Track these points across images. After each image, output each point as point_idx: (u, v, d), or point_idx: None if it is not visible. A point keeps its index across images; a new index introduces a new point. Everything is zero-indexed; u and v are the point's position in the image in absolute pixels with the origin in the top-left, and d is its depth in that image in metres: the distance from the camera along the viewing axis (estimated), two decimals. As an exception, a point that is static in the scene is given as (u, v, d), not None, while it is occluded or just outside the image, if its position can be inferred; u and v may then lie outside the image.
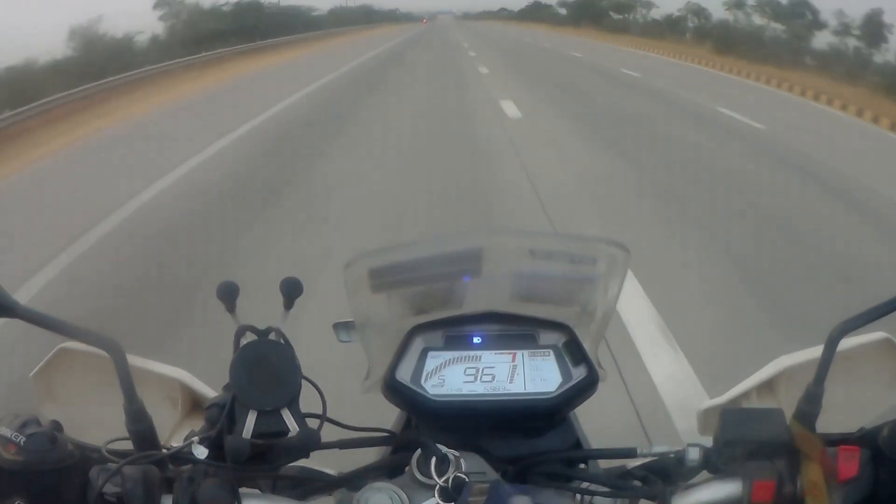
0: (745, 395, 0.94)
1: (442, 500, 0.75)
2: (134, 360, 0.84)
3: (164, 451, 0.73)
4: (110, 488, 0.68)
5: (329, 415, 0.77)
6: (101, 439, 0.73)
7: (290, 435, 0.72)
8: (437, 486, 0.76)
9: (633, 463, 0.85)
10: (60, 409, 0.90)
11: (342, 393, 0.87)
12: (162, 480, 0.71)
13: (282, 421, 0.72)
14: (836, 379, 0.77)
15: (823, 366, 0.76)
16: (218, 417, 0.72)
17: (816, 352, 0.84)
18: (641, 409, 2.95)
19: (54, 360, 0.91)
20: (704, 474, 0.79)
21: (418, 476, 0.79)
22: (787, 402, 0.81)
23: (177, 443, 0.74)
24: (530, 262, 0.82)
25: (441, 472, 0.77)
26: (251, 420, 0.71)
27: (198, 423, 0.78)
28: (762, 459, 0.74)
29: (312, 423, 0.74)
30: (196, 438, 0.72)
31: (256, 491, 0.77)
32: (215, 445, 0.71)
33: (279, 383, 0.72)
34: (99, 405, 0.86)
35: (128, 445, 0.74)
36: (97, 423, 0.80)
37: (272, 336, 0.74)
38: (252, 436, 0.71)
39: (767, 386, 0.95)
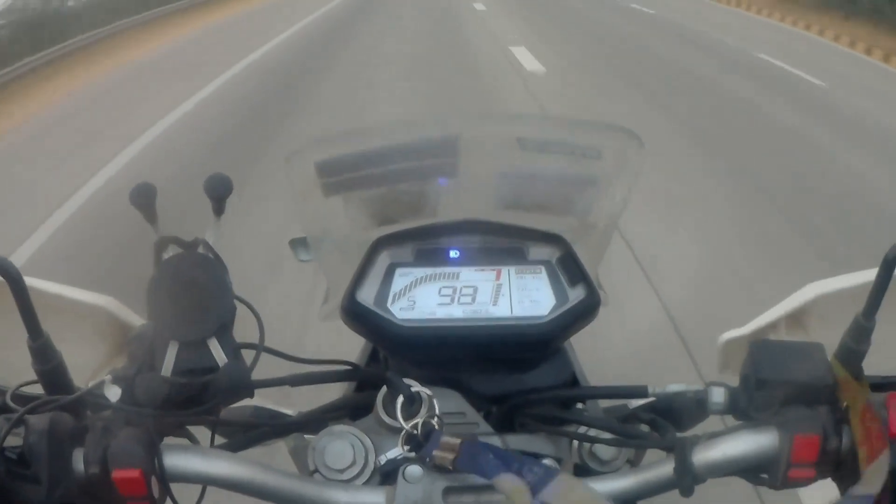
0: (772, 326, 0.80)
1: (408, 451, 0.63)
2: (46, 285, 0.72)
3: (73, 395, 0.60)
4: (14, 441, 0.55)
5: (289, 350, 0.65)
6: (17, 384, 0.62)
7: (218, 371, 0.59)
8: (403, 432, 0.63)
9: (635, 403, 0.72)
10: None
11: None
12: (75, 431, 0.58)
13: (209, 353, 0.59)
14: (886, 312, 0.62)
15: (876, 294, 0.60)
16: (140, 353, 0.60)
17: (852, 279, 0.72)
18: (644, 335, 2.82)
19: None
20: (722, 421, 0.65)
21: (385, 418, 0.66)
22: (819, 337, 0.67)
23: None
24: (518, 155, 0.68)
25: (409, 413, 0.64)
26: (172, 354, 0.59)
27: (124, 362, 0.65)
28: (800, 405, 0.60)
29: (250, 356, 0.61)
30: (109, 377, 0.59)
31: (184, 441, 0.64)
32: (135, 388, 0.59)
33: (206, 308, 0.59)
34: (17, 343, 0.73)
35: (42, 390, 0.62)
36: (26, 367, 0.67)
37: (200, 249, 0.61)
38: (173, 372, 0.59)
39: (795, 317, 0.81)
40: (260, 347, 0.62)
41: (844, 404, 0.60)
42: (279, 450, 0.74)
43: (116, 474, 0.56)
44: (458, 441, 0.61)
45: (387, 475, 0.65)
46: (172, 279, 0.60)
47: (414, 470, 0.62)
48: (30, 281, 0.60)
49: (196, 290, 0.59)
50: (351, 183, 0.69)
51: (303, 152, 0.67)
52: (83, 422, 0.59)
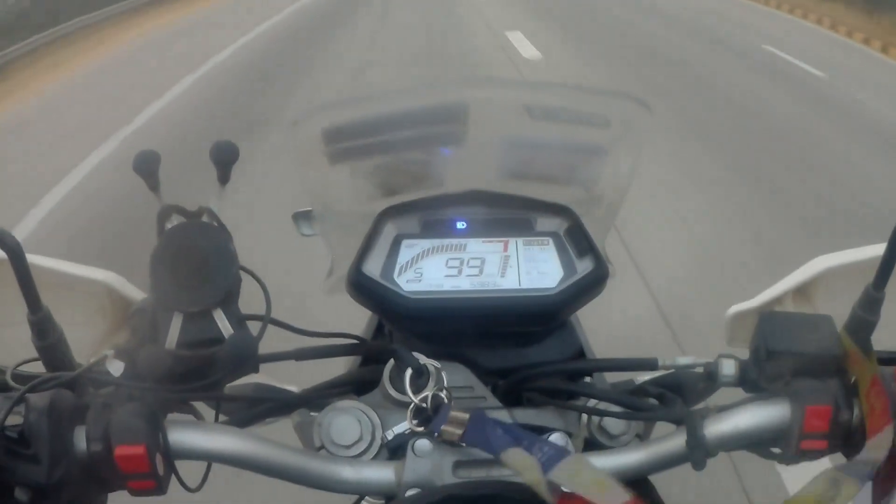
0: (779, 299, 0.79)
1: (416, 425, 0.62)
2: (46, 261, 0.70)
3: (74, 371, 0.59)
4: (15, 420, 0.54)
5: (293, 322, 0.64)
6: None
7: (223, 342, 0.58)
8: (412, 406, 0.62)
9: (641, 377, 0.71)
10: None
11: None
12: (77, 408, 0.57)
13: (213, 325, 0.58)
14: (893, 288, 0.62)
15: (887, 265, 0.60)
16: (142, 326, 0.58)
17: (860, 253, 0.71)
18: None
19: None
20: (731, 394, 0.64)
21: (392, 392, 0.65)
22: (825, 311, 0.66)
23: None
24: (527, 124, 0.66)
25: (418, 387, 0.63)
26: (175, 326, 0.58)
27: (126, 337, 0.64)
28: (810, 377, 0.60)
29: (256, 327, 0.60)
30: (110, 352, 0.58)
31: (190, 417, 0.63)
32: (138, 363, 0.57)
33: (210, 278, 0.58)
34: (17, 322, 0.72)
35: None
36: (27, 346, 0.66)
37: (204, 218, 0.59)
38: (177, 345, 0.57)
39: (803, 290, 0.80)
40: (266, 318, 0.61)
41: (853, 378, 0.60)
42: (283, 427, 0.72)
43: (119, 451, 0.55)
44: (466, 415, 0.60)
45: (394, 450, 0.64)
46: (176, 249, 0.58)
47: (423, 444, 0.61)
48: (29, 257, 0.59)
49: (200, 259, 0.58)
50: (357, 150, 0.67)
51: (309, 118, 0.65)
52: (84, 399, 0.58)
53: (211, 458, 0.60)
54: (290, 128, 0.64)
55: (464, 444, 0.60)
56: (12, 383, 0.57)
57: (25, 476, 0.54)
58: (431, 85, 0.69)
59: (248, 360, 0.58)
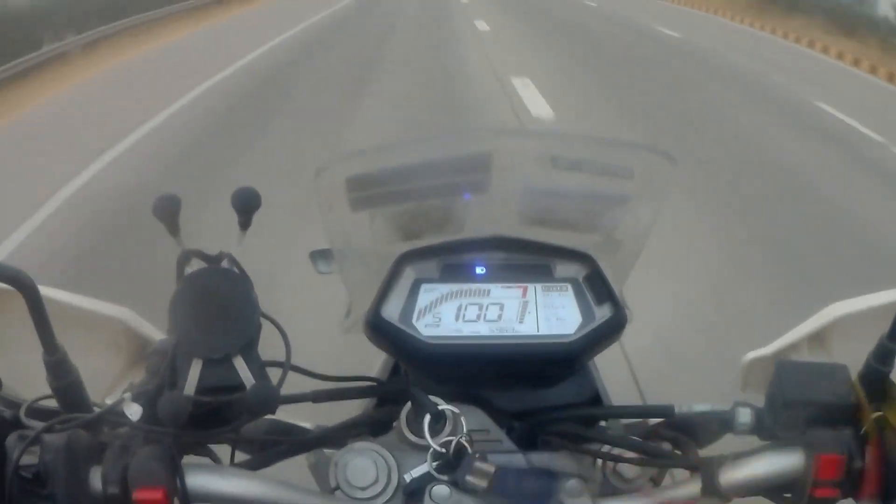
0: (794, 346, 0.80)
1: (437, 470, 0.62)
2: (62, 295, 0.70)
3: (92, 413, 0.59)
4: (30, 460, 0.54)
5: (304, 364, 0.63)
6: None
7: (244, 389, 0.57)
8: (431, 450, 0.62)
9: (655, 419, 0.71)
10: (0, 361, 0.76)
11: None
12: (92, 449, 0.56)
13: (234, 372, 0.58)
14: None
15: None
16: (160, 368, 0.58)
17: (875, 299, 0.72)
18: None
19: None
20: (745, 442, 0.65)
21: (408, 435, 0.65)
22: (841, 358, 0.66)
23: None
24: (550, 173, 0.67)
25: (435, 431, 0.63)
26: (195, 371, 0.57)
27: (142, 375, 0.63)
28: (824, 425, 0.60)
29: (275, 374, 0.60)
30: (128, 395, 0.58)
31: (206, 460, 0.62)
32: (156, 406, 0.57)
33: (231, 324, 0.58)
34: (31, 352, 0.71)
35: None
36: (42, 378, 0.66)
37: (224, 264, 0.59)
38: (197, 391, 0.57)
39: (818, 337, 0.81)
40: (287, 365, 0.60)
41: (864, 428, 0.60)
42: (297, 464, 0.72)
43: (138, 495, 0.54)
44: (491, 467, 0.60)
45: (411, 494, 0.63)
46: (197, 294, 0.58)
47: (441, 490, 0.61)
48: (44, 291, 0.59)
49: (221, 305, 0.58)
50: (380, 198, 0.67)
51: (333, 166, 0.65)
52: (100, 439, 0.58)
53: (228, 502, 0.59)
54: (316, 175, 0.65)
55: (490, 496, 0.60)
56: (26, 421, 0.57)
57: None
58: (456, 134, 0.69)
59: (268, 408, 0.58)
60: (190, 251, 0.59)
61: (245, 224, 0.59)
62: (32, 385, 0.62)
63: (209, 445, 0.64)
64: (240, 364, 0.58)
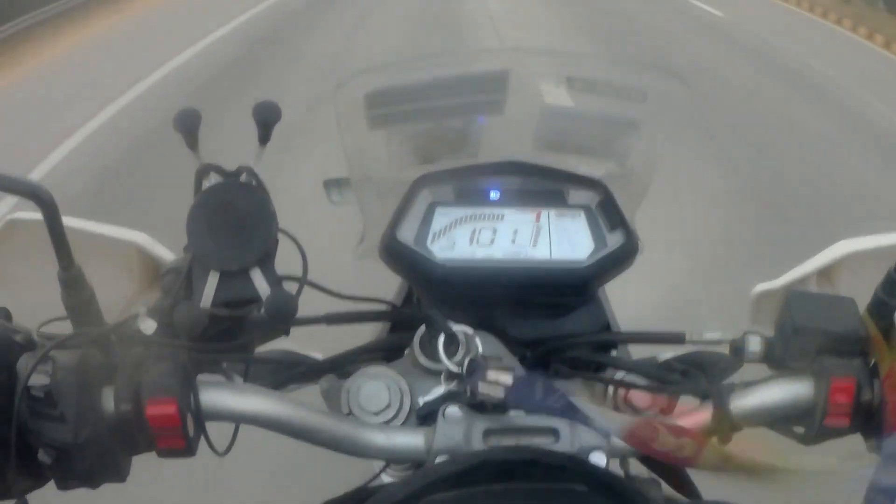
0: (803, 280, 0.80)
1: (453, 385, 0.62)
2: (76, 221, 0.70)
3: (106, 328, 0.58)
4: (41, 380, 0.52)
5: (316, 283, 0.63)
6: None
7: (260, 302, 0.57)
8: (445, 370, 0.62)
9: (665, 354, 0.72)
10: (10, 292, 0.75)
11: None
12: (105, 368, 0.56)
13: (250, 284, 0.57)
14: None
15: None
16: (175, 285, 0.58)
17: (883, 239, 0.72)
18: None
19: (1, 233, 0.76)
20: (751, 371, 0.65)
21: (421, 360, 0.65)
22: (847, 294, 0.67)
23: None
24: (563, 95, 0.66)
25: (449, 353, 0.63)
26: (212, 284, 0.57)
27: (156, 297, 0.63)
28: (833, 356, 0.60)
29: (291, 289, 0.60)
30: (143, 310, 0.58)
31: (220, 378, 0.62)
32: (171, 320, 0.57)
33: (248, 237, 0.57)
34: (42, 284, 0.71)
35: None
36: (54, 307, 0.65)
37: (243, 178, 0.59)
38: (213, 303, 0.57)
39: (826, 273, 0.81)
40: (304, 279, 0.60)
41: (874, 360, 0.60)
42: (310, 394, 0.73)
43: (150, 408, 0.54)
44: (508, 376, 0.60)
45: (424, 418, 0.64)
46: (214, 207, 0.58)
47: (454, 411, 0.61)
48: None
49: (238, 218, 0.58)
50: (398, 116, 0.67)
51: (351, 82, 0.65)
52: (113, 359, 0.57)
53: (241, 420, 0.59)
54: (334, 91, 0.64)
55: (497, 410, 0.60)
56: (39, 341, 0.57)
57: (51, 436, 0.52)
58: (474, 52, 0.69)
59: (286, 319, 0.58)
60: (208, 165, 0.58)
61: (265, 138, 0.59)
62: (45, 316, 0.61)
63: (223, 365, 0.64)
64: (256, 277, 0.58)
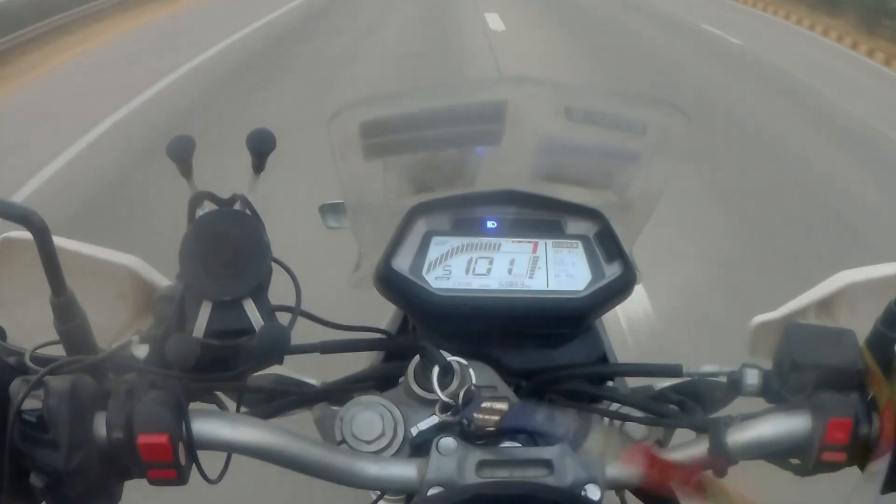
0: (802, 312, 0.80)
1: (447, 416, 0.62)
2: (70, 244, 0.70)
3: (99, 355, 0.58)
4: (33, 404, 0.53)
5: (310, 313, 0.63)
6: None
7: (253, 333, 0.57)
8: (440, 401, 0.62)
9: (661, 384, 0.72)
10: (5, 311, 0.75)
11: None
12: (97, 394, 0.56)
13: (243, 315, 0.57)
14: None
15: None
16: (168, 313, 0.58)
17: (883, 269, 0.72)
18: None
19: None
20: (747, 402, 0.65)
21: (415, 389, 0.65)
22: (846, 325, 0.67)
23: None
24: (564, 125, 0.66)
25: (444, 384, 0.63)
26: (205, 314, 0.57)
27: (149, 323, 0.63)
28: (831, 390, 0.60)
29: (284, 321, 0.59)
30: (136, 337, 0.57)
31: (213, 407, 0.62)
32: (164, 349, 0.56)
33: (242, 267, 0.57)
34: (36, 304, 0.71)
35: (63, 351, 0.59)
36: (46, 329, 0.65)
37: (237, 206, 0.58)
38: (206, 334, 0.57)
39: (825, 305, 0.81)
40: (297, 310, 0.60)
41: (872, 393, 0.60)
42: (303, 420, 0.72)
43: (142, 439, 0.54)
44: (503, 405, 0.60)
45: (417, 448, 0.63)
46: (208, 236, 0.57)
47: (448, 442, 0.60)
48: (54, 239, 0.58)
49: (232, 248, 0.57)
50: (393, 145, 0.67)
51: (347, 111, 0.65)
52: (106, 385, 0.57)
53: (234, 449, 0.59)
54: (330, 120, 0.64)
55: (491, 442, 0.60)
56: (31, 365, 0.57)
57: (43, 461, 0.53)
58: (471, 82, 0.69)
59: (278, 351, 0.58)
60: (202, 193, 0.58)
61: (259, 167, 0.58)
62: (38, 337, 0.61)
63: (216, 394, 0.63)
64: (249, 307, 0.57)
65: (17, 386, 0.54)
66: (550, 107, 0.66)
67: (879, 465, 0.58)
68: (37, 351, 0.59)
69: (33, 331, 0.64)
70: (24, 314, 0.72)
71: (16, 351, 0.59)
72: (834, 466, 0.61)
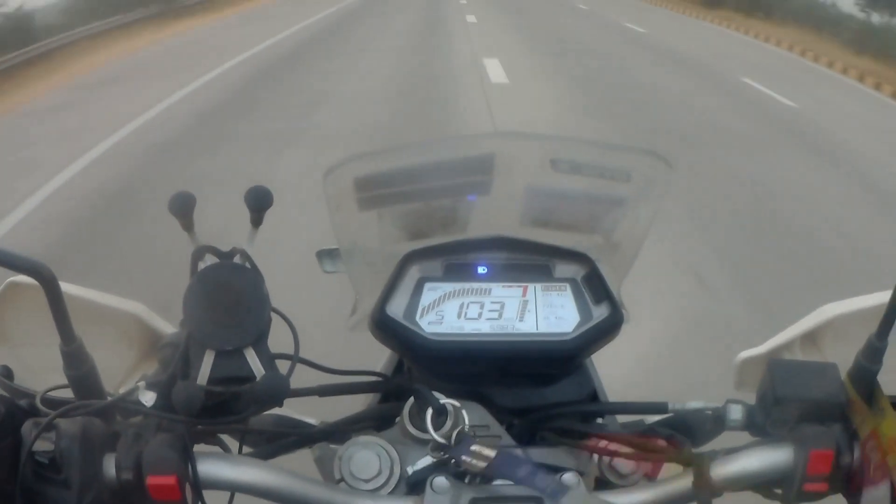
0: (787, 346, 0.82)
1: (437, 460, 0.64)
2: (77, 290, 0.73)
3: (108, 400, 0.61)
4: (45, 446, 0.55)
5: (309, 358, 0.65)
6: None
7: (254, 380, 0.60)
8: (432, 441, 0.64)
9: (651, 418, 0.74)
10: (11, 353, 0.78)
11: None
12: (106, 436, 0.59)
13: (245, 363, 0.60)
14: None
15: (889, 317, 0.62)
16: (172, 359, 0.60)
17: (866, 301, 0.73)
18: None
19: (3, 295, 0.78)
20: (738, 438, 0.67)
21: (411, 429, 0.67)
22: (833, 357, 0.69)
23: None
24: (550, 176, 0.69)
25: (437, 425, 0.65)
26: (208, 362, 0.59)
27: (154, 367, 0.67)
28: (814, 422, 0.62)
29: (284, 367, 0.62)
30: (142, 383, 0.60)
31: (217, 449, 0.65)
32: (169, 394, 0.59)
33: (243, 317, 0.60)
34: (46, 346, 0.73)
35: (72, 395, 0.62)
36: (54, 370, 0.68)
37: (237, 259, 0.61)
38: (209, 381, 0.59)
39: (811, 337, 0.83)
40: (295, 358, 0.62)
41: (854, 425, 0.62)
42: (302, 458, 0.74)
43: (151, 480, 0.56)
44: (492, 451, 0.62)
45: (413, 486, 0.65)
46: (210, 288, 0.60)
47: (441, 481, 0.62)
48: (61, 285, 0.61)
49: (233, 299, 0.60)
50: (386, 198, 0.70)
51: (342, 167, 0.68)
52: (114, 428, 0.60)
53: (237, 489, 0.62)
54: (324, 176, 0.67)
55: (488, 478, 0.62)
56: (42, 408, 0.59)
57: (54, 500, 0.55)
58: (460, 137, 0.71)
59: (278, 397, 0.60)
60: (204, 247, 0.61)
61: (257, 221, 0.61)
62: (46, 378, 0.64)
63: (220, 436, 0.66)
64: (251, 356, 0.60)
65: (28, 428, 0.56)
66: (536, 159, 0.69)
67: (874, 495, 0.59)
68: (47, 394, 0.61)
69: (40, 372, 0.67)
70: (30, 355, 0.75)
71: (26, 393, 0.62)
72: (818, 496, 0.63)
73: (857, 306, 0.78)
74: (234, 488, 0.62)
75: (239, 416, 0.61)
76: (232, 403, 0.61)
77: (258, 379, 0.59)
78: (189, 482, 0.58)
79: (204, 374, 0.59)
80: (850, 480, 0.62)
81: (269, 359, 0.61)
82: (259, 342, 0.60)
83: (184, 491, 0.57)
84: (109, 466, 0.57)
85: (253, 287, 0.60)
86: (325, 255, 0.94)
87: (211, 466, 0.60)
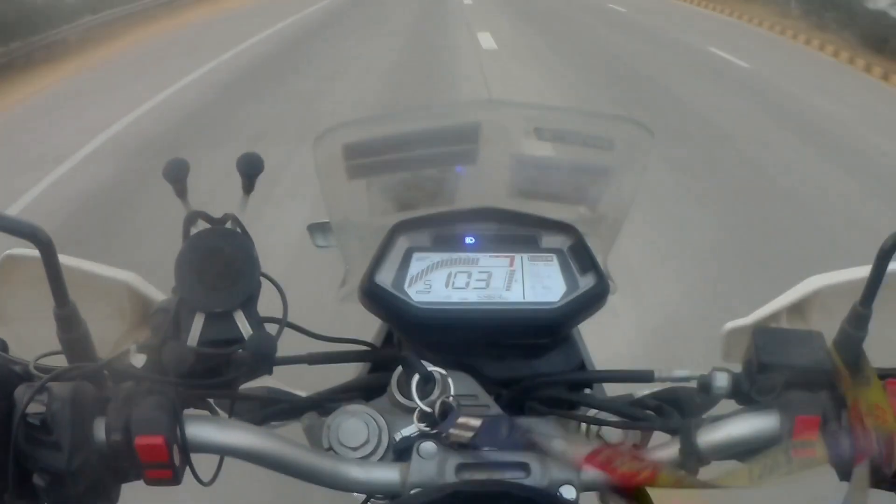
0: (774, 316, 0.82)
1: (423, 428, 0.64)
2: (71, 260, 0.73)
3: (99, 363, 0.61)
4: (37, 409, 0.56)
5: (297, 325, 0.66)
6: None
7: (243, 342, 0.60)
8: (418, 410, 0.65)
9: (641, 390, 0.74)
10: (7, 325, 0.79)
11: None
12: (97, 400, 0.59)
13: (234, 326, 0.60)
14: (880, 305, 0.64)
15: (873, 284, 0.62)
16: (164, 324, 0.61)
17: (853, 273, 0.73)
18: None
19: (0, 267, 0.79)
20: (727, 406, 0.67)
21: (398, 397, 0.68)
22: (818, 328, 0.69)
23: None
24: (535, 145, 0.69)
25: (424, 393, 0.66)
26: (198, 325, 0.60)
27: (146, 335, 0.66)
28: (800, 390, 0.62)
29: (274, 333, 0.62)
30: (134, 346, 0.61)
31: (206, 413, 0.65)
32: (160, 358, 0.60)
33: (233, 281, 0.61)
34: (39, 318, 0.74)
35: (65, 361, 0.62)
36: (48, 344, 0.68)
37: (228, 225, 0.62)
38: (199, 343, 0.60)
39: (797, 308, 0.83)
40: (283, 321, 0.63)
41: (841, 391, 0.62)
42: (292, 430, 0.75)
43: (139, 441, 0.57)
44: (478, 421, 0.62)
45: (400, 453, 0.66)
46: (201, 252, 0.61)
47: (428, 446, 0.63)
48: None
49: (224, 263, 0.61)
50: (375, 166, 0.70)
51: (331, 134, 0.68)
52: (105, 391, 0.60)
53: (225, 453, 0.62)
54: (314, 143, 0.67)
55: (473, 447, 0.63)
56: (35, 373, 0.60)
57: (45, 462, 0.56)
58: (447, 106, 0.72)
59: (266, 360, 0.61)
60: (196, 212, 0.62)
61: (248, 188, 0.62)
62: (40, 351, 0.64)
63: (209, 401, 0.66)
64: (240, 318, 0.61)
65: (21, 391, 0.57)
66: (520, 127, 0.70)
67: (864, 469, 0.59)
68: (39, 360, 0.62)
69: (34, 345, 0.67)
70: (24, 329, 0.75)
71: (20, 361, 0.62)
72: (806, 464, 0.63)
73: (844, 278, 0.78)
74: (223, 452, 0.62)
75: (227, 378, 0.62)
76: (222, 369, 0.62)
77: (246, 340, 0.60)
78: (178, 444, 0.59)
79: (194, 336, 0.60)
80: (837, 449, 0.62)
81: (258, 322, 0.61)
82: (248, 305, 0.61)
83: (171, 452, 0.58)
84: (100, 428, 0.58)
85: (243, 252, 0.61)
86: (317, 228, 0.94)
87: (200, 429, 0.61)
